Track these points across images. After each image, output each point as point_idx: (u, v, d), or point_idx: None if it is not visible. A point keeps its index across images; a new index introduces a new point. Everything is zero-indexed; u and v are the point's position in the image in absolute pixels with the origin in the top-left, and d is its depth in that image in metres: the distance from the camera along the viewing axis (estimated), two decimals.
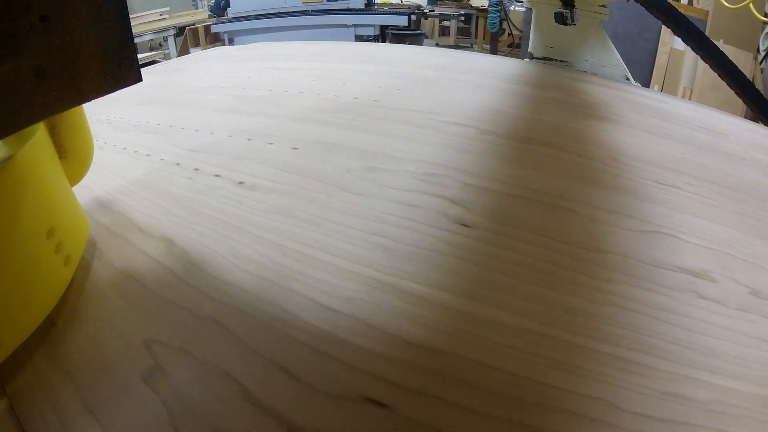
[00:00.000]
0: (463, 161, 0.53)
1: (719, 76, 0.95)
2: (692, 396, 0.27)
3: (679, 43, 3.25)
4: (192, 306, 0.32)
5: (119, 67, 0.30)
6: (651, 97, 0.86)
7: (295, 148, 0.55)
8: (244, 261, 0.36)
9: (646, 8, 0.92)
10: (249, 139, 0.58)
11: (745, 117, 1.01)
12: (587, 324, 0.31)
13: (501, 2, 4.66)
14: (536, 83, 0.88)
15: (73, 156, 0.41)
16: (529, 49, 1.08)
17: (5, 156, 0.31)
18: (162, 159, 0.56)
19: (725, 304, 0.35)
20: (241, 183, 0.48)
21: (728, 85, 0.96)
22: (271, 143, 0.57)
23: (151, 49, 4.14)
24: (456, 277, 0.35)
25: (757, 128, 0.78)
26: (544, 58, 1.06)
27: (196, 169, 0.52)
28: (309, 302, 0.32)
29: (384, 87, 0.81)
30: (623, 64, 0.98)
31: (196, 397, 0.26)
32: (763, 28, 2.75)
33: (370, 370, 0.27)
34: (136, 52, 0.32)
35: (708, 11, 2.97)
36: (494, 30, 4.73)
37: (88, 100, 0.29)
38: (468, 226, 0.41)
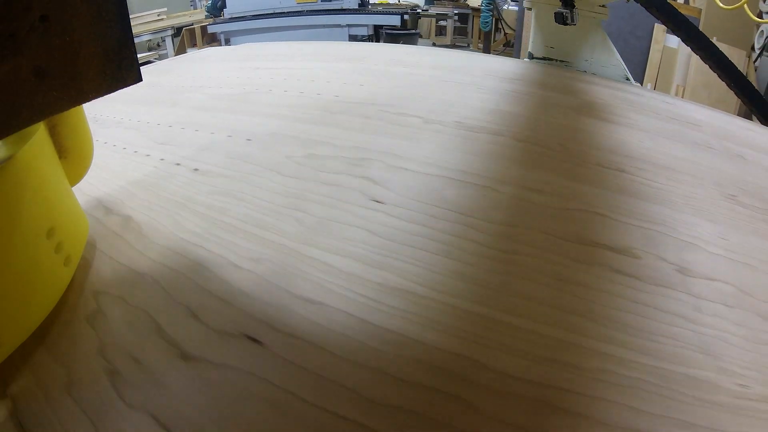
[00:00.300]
0: (400, 148, 0.57)
1: (719, 76, 0.96)
2: (576, 363, 0.29)
3: (671, 41, 3.27)
4: (134, 265, 0.39)
5: (119, 67, 0.30)
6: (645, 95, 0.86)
7: (249, 140, 0.62)
8: (184, 231, 0.43)
9: (646, 8, 0.92)
10: (212, 133, 0.65)
11: (738, 114, 1.02)
12: (482, 293, 0.34)
13: (494, 1, 4.66)
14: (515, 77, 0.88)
15: (73, 156, 0.41)
16: (529, 49, 1.08)
17: (5, 156, 0.30)
18: (136, 151, 0.61)
19: (643, 279, 0.36)
20: (196, 170, 0.54)
21: (728, 85, 0.96)
22: (229, 136, 0.64)
23: (150, 50, 4.12)
24: (360, 246, 0.39)
25: (733, 119, 0.79)
26: (544, 58, 1.06)
27: (162, 159, 0.58)
28: (223, 261, 0.39)
29: (349, 83, 0.86)
30: (623, 64, 0.98)
31: (122, 333, 0.32)
32: (758, 26, 2.77)
33: (253, 313, 0.33)
34: (135, 52, 0.31)
35: (701, 9, 2.99)
36: (487, 29, 4.73)
37: (89, 100, 0.28)
38: (381, 203, 0.45)
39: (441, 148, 0.57)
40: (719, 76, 0.95)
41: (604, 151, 0.58)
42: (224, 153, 0.58)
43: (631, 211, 0.45)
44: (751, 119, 0.90)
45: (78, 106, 0.36)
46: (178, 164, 0.56)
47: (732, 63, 0.93)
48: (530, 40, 1.07)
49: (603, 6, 0.97)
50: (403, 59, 1.04)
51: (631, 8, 0.99)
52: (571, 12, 0.90)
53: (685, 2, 3.32)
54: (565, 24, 0.90)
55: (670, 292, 0.35)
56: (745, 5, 1.69)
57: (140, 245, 0.41)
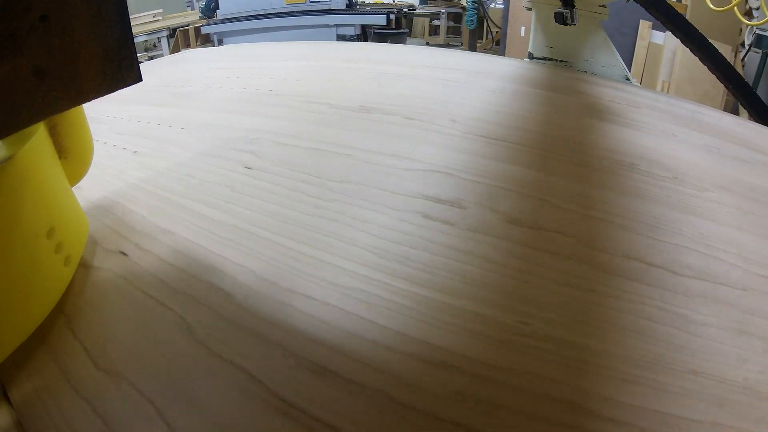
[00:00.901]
0: (292, 128, 0.68)
1: (717, 78, 0.96)
2: (339, 282, 0.34)
3: (657, 38, 3.26)
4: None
5: (119, 67, 0.30)
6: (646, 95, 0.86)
7: (182, 128, 0.75)
8: (120, 195, 0.55)
9: (646, 8, 0.92)
10: (158, 125, 0.78)
11: (723, 110, 1.02)
12: (308, 234, 0.41)
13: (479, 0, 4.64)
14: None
15: (73, 156, 0.41)
16: (529, 49, 1.08)
17: (5, 156, 0.30)
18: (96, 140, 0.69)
19: (456, 226, 0.39)
20: (136, 152, 0.69)
21: (726, 87, 0.97)
22: (170, 126, 0.77)
23: (146, 50, 4.11)
24: (222, 199, 0.51)
25: (702, 109, 0.79)
26: (544, 58, 1.06)
27: (114, 145, 0.71)
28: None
29: (297, 79, 0.93)
30: (623, 64, 0.98)
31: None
32: (747, 24, 2.78)
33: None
34: (136, 52, 0.31)
35: (687, 5, 2.99)
36: (472, 27, 4.70)
37: (89, 99, 0.28)
38: (251, 169, 0.58)
39: (326, 127, 0.67)
40: (718, 78, 0.96)
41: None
42: (158, 140, 0.72)
43: (479, 171, 0.49)
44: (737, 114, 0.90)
45: (78, 107, 0.36)
46: (124, 148, 0.70)
47: (730, 64, 0.93)
48: (530, 40, 1.07)
49: (603, 6, 0.97)
50: (369, 56, 1.06)
51: (617, 5, 0.99)
52: (571, 12, 0.90)
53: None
54: (565, 24, 0.90)
55: (484, 237, 0.38)
56: (735, 8, 1.69)
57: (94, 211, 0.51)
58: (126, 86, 0.30)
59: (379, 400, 0.26)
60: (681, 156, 0.59)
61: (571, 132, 0.64)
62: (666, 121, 0.73)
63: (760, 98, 0.92)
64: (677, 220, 0.44)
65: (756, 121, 0.91)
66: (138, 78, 0.31)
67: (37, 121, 0.27)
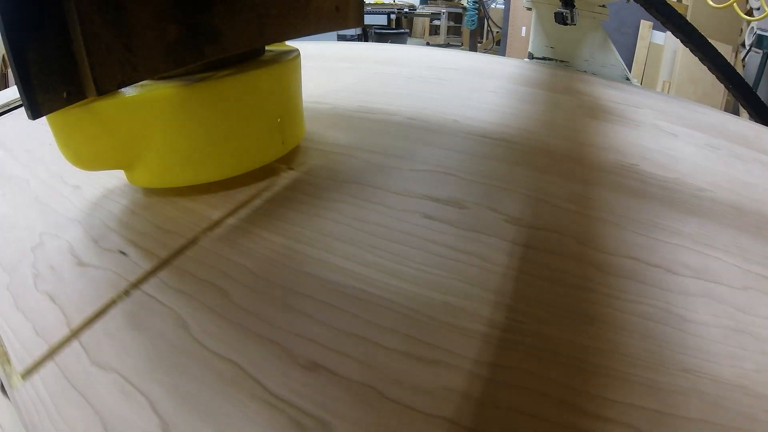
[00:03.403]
0: None
1: (717, 78, 0.96)
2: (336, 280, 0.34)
3: (657, 37, 3.26)
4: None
5: (358, 16, 0.55)
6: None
7: None
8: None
9: (646, 8, 0.92)
10: None
11: (724, 110, 1.02)
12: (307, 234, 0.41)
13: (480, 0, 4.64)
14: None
15: (288, 144, 0.52)
16: (529, 49, 1.08)
17: (290, 57, 0.49)
18: None
19: (457, 225, 0.39)
20: None
21: (726, 87, 0.97)
22: None
23: None
24: None
25: (700, 108, 0.79)
26: (544, 58, 1.06)
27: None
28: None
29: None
30: (623, 63, 0.98)
31: None
32: (748, 23, 2.77)
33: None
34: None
35: (687, 5, 2.99)
36: (473, 27, 4.71)
37: (349, 27, 0.54)
38: None
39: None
40: (718, 78, 0.96)
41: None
42: None
43: (480, 171, 0.50)
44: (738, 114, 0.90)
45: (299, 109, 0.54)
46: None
47: (729, 64, 0.93)
48: (530, 40, 1.07)
49: (603, 6, 0.97)
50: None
51: (617, 5, 0.99)
52: (571, 12, 0.90)
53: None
54: (565, 24, 0.91)
55: (480, 236, 0.39)
56: (735, 4, 1.69)
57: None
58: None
59: (370, 395, 0.26)
60: (681, 156, 0.59)
61: (572, 132, 0.64)
62: (666, 121, 0.73)
63: (759, 98, 0.92)
64: (677, 219, 0.45)
65: (756, 121, 0.91)
66: (358, 23, 0.54)
67: (324, 31, 0.50)
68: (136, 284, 0.35)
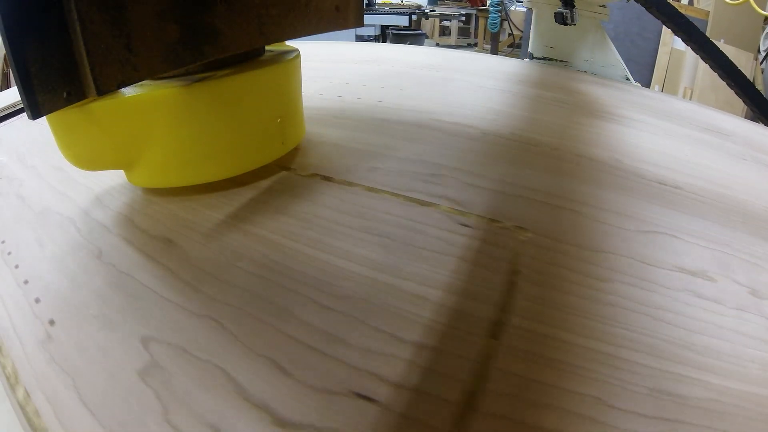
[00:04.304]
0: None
1: (720, 76, 0.96)
2: (687, 394, 0.28)
3: (679, 43, 3.24)
4: None
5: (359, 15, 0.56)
6: (652, 97, 0.86)
7: None
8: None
9: (646, 8, 0.92)
10: None
11: (745, 117, 1.02)
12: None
13: (502, 2, 4.66)
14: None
15: (288, 145, 0.52)
16: (529, 49, 1.08)
17: (288, 58, 0.49)
18: None
19: (723, 303, 0.35)
20: None
21: (728, 85, 0.96)
22: None
23: None
24: None
25: (757, 128, 0.78)
26: (543, 58, 1.06)
27: None
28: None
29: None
30: (623, 63, 0.98)
31: None
32: (764, 28, 2.75)
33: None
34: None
35: (709, 11, 2.97)
36: (495, 30, 4.73)
37: (349, 27, 0.55)
38: None
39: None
40: (720, 77, 0.95)
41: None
42: None
43: (696, 231, 0.44)
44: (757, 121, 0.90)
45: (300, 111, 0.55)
46: None
47: (732, 63, 0.93)
48: (530, 40, 1.07)
49: (603, 6, 0.97)
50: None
51: (640, 9, 0.99)
52: (571, 12, 0.90)
53: (689, 3, 3.30)
54: (565, 24, 0.91)
55: (749, 316, 0.34)
56: (751, 0, 1.68)
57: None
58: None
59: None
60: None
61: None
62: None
63: (762, 96, 0.91)
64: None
65: (759, 121, 0.91)
66: (358, 23, 0.55)
67: (324, 31, 0.50)
68: None
